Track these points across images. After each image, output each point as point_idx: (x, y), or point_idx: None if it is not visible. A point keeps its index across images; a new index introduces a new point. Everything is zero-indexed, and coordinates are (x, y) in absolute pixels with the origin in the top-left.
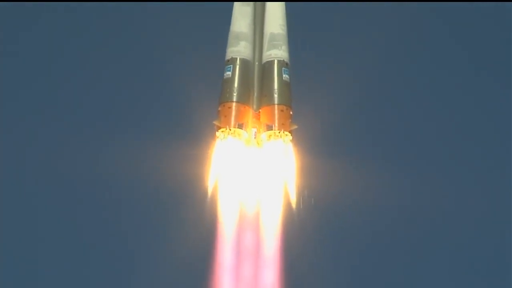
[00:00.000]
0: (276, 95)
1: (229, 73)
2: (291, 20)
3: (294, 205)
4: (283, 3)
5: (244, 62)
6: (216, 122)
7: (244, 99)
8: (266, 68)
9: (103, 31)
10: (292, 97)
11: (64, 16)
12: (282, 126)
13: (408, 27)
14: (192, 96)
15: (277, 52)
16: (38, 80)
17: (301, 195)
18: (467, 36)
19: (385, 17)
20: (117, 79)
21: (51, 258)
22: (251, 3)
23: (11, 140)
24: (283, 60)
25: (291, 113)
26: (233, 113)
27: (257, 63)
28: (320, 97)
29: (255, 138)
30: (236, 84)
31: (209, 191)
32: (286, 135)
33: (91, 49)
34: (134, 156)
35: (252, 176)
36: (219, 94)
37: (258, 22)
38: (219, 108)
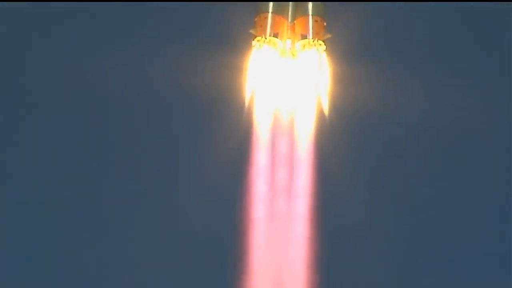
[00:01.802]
0: (310, 7)
1: None
2: None
3: (326, 113)
4: None
5: None
6: (252, 31)
7: (279, 10)
8: None
9: None
10: (326, 13)
11: None
12: (316, 35)
13: None
14: (229, 8)
15: None
16: None
17: (334, 103)
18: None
19: None
20: None
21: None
22: None
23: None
24: None
25: (325, 24)
26: (269, 22)
27: None
28: (352, 11)
29: (290, 49)
30: None
31: (246, 98)
32: (320, 44)
33: None
34: (174, 64)
35: (287, 85)
36: (255, 6)
37: None
38: (255, 19)
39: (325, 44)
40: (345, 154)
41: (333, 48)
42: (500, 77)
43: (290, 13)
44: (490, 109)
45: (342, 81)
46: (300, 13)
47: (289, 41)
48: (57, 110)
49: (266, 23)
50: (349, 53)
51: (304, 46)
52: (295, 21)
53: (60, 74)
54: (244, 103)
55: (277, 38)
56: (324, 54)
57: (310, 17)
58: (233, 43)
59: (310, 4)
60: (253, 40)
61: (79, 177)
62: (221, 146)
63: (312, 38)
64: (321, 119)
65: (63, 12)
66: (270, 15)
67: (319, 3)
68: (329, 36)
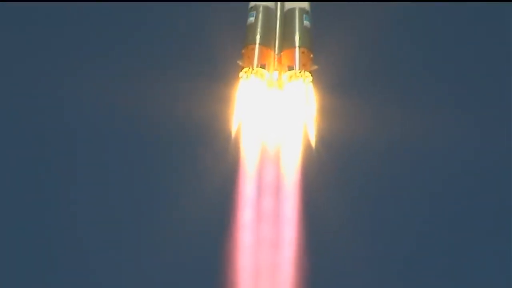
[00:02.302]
0: (297, 38)
1: (252, 18)
2: None
3: (313, 143)
4: None
5: (266, 9)
6: (239, 62)
7: (266, 42)
8: (288, 15)
9: None
10: (312, 45)
11: None
12: (303, 67)
13: None
14: (217, 41)
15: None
16: None
17: (320, 134)
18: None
19: None
20: (145, 23)
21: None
22: None
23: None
24: (304, 8)
25: (311, 56)
26: (256, 53)
27: (279, 11)
28: (338, 43)
29: (277, 80)
30: (259, 29)
31: (233, 129)
32: (307, 75)
33: None
34: (161, 93)
35: (274, 115)
36: (243, 40)
37: None
38: (243, 51)
39: (311, 75)
40: (331, 184)
41: (319, 79)
42: (491, 109)
43: (277, 44)
44: (481, 139)
45: (328, 112)
46: (287, 45)
47: (276, 73)
48: (40, 135)
49: (254, 54)
50: (336, 85)
51: (291, 77)
52: (282, 53)
53: (46, 100)
54: (231, 133)
55: (264, 69)
56: (311, 85)
57: (297, 48)
58: (221, 74)
59: (297, 35)
60: (241, 71)
61: (61, 205)
62: (208, 175)
63: (299, 70)
64: (307, 150)
65: (45, 38)
66: (257, 46)
67: (306, 35)
68: (315, 67)
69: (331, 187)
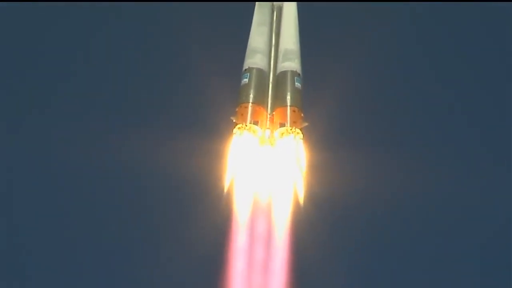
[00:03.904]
0: (288, 98)
1: (246, 79)
2: (303, 36)
3: (301, 199)
4: (296, 22)
5: (259, 71)
6: (233, 118)
7: (259, 101)
8: (280, 77)
9: (127, 33)
10: (303, 105)
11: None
12: (293, 124)
13: (414, 29)
14: (211, 101)
15: (290, 64)
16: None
17: (309, 189)
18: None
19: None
20: (143, 78)
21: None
22: (268, 23)
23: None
24: (296, 70)
25: (302, 115)
26: (249, 111)
27: (272, 74)
28: (328, 104)
29: (269, 137)
30: (252, 89)
31: (226, 184)
32: (298, 132)
33: (117, 48)
34: (154, 148)
35: (265, 170)
36: (236, 99)
37: (275, 39)
38: (237, 109)
39: (302, 132)
40: (320, 237)
41: (310, 135)
42: (492, 166)
43: (269, 104)
44: (479, 196)
45: (318, 167)
46: (279, 104)
47: (268, 131)
48: (31, 188)
49: (247, 112)
50: (325, 143)
51: (282, 133)
52: (274, 112)
53: (38, 151)
54: (224, 188)
55: (257, 125)
56: (301, 142)
57: (288, 107)
58: (215, 130)
59: (288, 95)
60: (234, 127)
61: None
62: (201, 227)
63: (290, 126)
64: (297, 204)
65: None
66: (250, 104)
67: (297, 95)
68: (306, 124)
69: (319, 240)
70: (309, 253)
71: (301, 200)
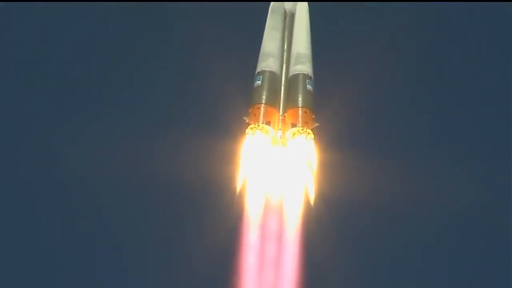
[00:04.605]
0: (300, 100)
1: (259, 82)
2: (315, 40)
3: (312, 199)
4: (308, 27)
5: (272, 74)
6: (246, 119)
7: (271, 102)
8: (292, 80)
9: (141, 39)
10: (314, 107)
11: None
12: (305, 124)
13: (424, 32)
14: (225, 102)
15: (302, 67)
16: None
17: (319, 189)
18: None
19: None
20: (155, 80)
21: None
22: (281, 29)
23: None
24: (307, 73)
25: (313, 116)
26: (262, 112)
27: (284, 77)
28: (339, 105)
29: (280, 138)
30: (265, 90)
31: (239, 183)
32: (309, 133)
33: (132, 51)
34: (167, 148)
35: (277, 170)
36: (249, 101)
37: (287, 44)
38: (249, 110)
39: (313, 133)
40: (330, 235)
41: (321, 136)
42: (495, 171)
43: (281, 106)
44: (485, 197)
45: (328, 167)
46: (290, 106)
47: (280, 132)
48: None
49: (260, 112)
50: (335, 141)
51: (293, 134)
52: (286, 113)
53: (50, 155)
54: (236, 187)
55: (269, 125)
56: (312, 142)
57: (300, 108)
58: (228, 132)
59: (300, 97)
60: (247, 127)
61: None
62: (214, 226)
63: (301, 127)
64: (307, 204)
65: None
66: (263, 105)
67: (308, 97)
68: (317, 124)
69: (329, 239)
70: (319, 252)
71: (312, 199)
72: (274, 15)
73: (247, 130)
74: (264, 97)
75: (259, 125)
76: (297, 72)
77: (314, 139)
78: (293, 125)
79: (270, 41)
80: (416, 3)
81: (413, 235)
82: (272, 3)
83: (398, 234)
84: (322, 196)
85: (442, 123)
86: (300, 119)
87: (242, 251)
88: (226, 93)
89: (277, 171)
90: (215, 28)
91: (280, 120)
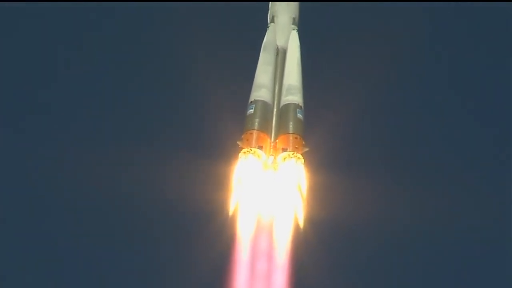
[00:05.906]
0: (291, 126)
1: (251, 110)
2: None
3: (301, 222)
4: (300, 63)
5: (264, 103)
6: (239, 143)
7: (264, 129)
8: (283, 109)
9: (136, 55)
10: (304, 134)
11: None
12: (295, 149)
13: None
14: (219, 129)
15: (293, 97)
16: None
17: (309, 212)
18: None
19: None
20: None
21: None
22: (273, 63)
23: None
24: (298, 103)
25: (303, 142)
26: (254, 137)
27: (275, 106)
28: (328, 133)
29: (272, 163)
30: (257, 118)
31: (231, 205)
32: (299, 157)
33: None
34: (161, 172)
35: (268, 192)
36: (243, 128)
37: (279, 77)
38: (243, 136)
39: (303, 157)
40: (319, 259)
41: (310, 160)
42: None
43: (273, 132)
44: (481, 223)
45: (318, 191)
46: (281, 132)
47: (271, 157)
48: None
49: (252, 137)
50: (325, 165)
51: (284, 158)
52: (277, 140)
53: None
54: (229, 208)
55: (261, 150)
56: (302, 166)
57: (290, 134)
58: (221, 157)
59: (291, 124)
60: (240, 152)
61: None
62: (207, 246)
63: (292, 151)
64: (297, 226)
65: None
66: (255, 131)
67: (299, 125)
68: (307, 149)
69: (318, 262)
70: (308, 275)
71: (301, 222)
72: (266, 50)
73: (240, 154)
74: (256, 123)
75: (251, 149)
76: (288, 102)
77: (304, 164)
78: (284, 150)
79: (263, 74)
80: (408, 23)
81: (403, 258)
82: (264, 40)
83: (387, 258)
84: (311, 219)
85: (435, 147)
86: (290, 144)
87: (233, 273)
88: (221, 120)
89: (268, 194)
90: (212, 57)
91: (271, 146)
